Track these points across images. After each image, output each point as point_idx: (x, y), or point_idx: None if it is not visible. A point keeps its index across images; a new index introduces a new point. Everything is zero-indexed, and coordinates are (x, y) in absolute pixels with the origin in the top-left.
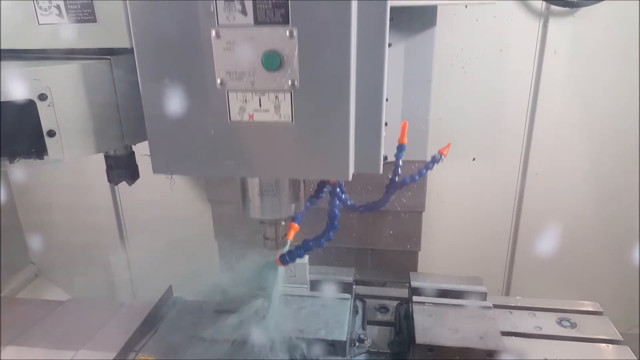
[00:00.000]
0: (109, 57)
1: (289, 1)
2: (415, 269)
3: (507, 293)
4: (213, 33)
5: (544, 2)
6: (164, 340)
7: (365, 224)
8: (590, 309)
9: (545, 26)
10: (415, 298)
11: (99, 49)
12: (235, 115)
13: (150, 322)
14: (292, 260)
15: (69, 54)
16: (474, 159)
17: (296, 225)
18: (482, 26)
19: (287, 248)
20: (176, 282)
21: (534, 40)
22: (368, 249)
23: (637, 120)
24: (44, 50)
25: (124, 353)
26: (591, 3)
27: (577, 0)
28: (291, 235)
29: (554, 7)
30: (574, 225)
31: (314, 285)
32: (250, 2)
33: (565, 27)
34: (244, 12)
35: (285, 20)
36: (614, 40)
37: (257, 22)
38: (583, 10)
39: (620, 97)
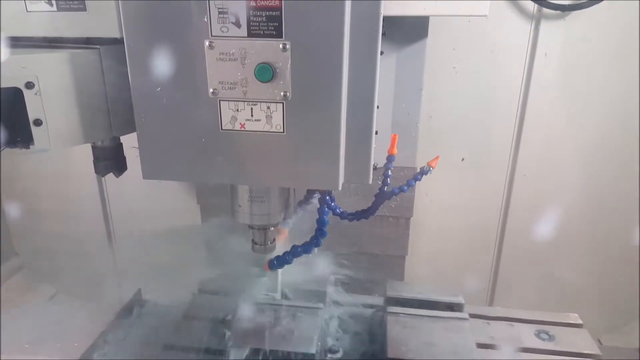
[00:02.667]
0: (98, 46)
1: (283, 15)
2: (402, 273)
3: (492, 295)
4: (206, 43)
5: (535, 5)
6: (129, 345)
7: (352, 228)
8: (570, 321)
9: (536, 29)
10: (389, 308)
11: (88, 38)
12: (226, 124)
13: (117, 326)
14: (281, 266)
15: (57, 43)
16: (463, 159)
17: (285, 230)
18: (474, 27)
19: (275, 253)
20: (159, 276)
21: (525, 43)
22: (355, 252)
23: (626, 124)
24: (32, 38)
25: (86, 357)
26: (583, 7)
27: (568, 3)
28: (280, 241)
29: (545, 10)
30: (561, 227)
31: (286, 292)
32: (244, 14)
33: (557, 30)
34: (237, 24)
35: (278, 34)
36: (605, 44)
37: (251, 34)
38: (575, 14)
39: (609, 100)
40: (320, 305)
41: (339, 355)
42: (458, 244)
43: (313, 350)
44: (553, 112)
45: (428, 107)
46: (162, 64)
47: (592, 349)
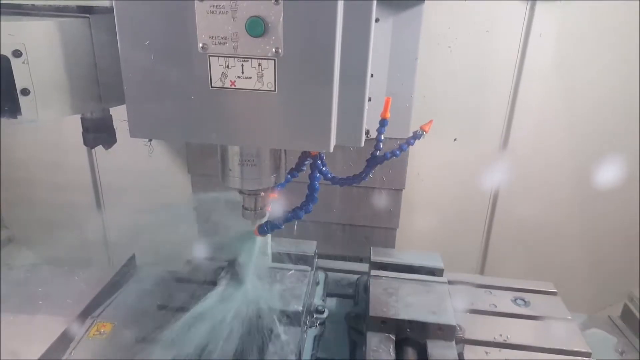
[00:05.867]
0: (88, 15)
1: None
2: (392, 246)
3: (482, 271)
4: None
5: None
6: (124, 308)
7: (345, 200)
8: (545, 288)
9: (532, 9)
10: (373, 272)
11: (77, 6)
12: (216, 81)
13: (111, 289)
14: (270, 230)
15: (46, 11)
16: (455, 140)
17: (275, 195)
18: (470, 5)
19: (265, 219)
20: (150, 250)
21: (520, 23)
22: (347, 224)
23: (618, 107)
24: (21, 5)
25: (81, 319)
26: None
27: None
28: (270, 206)
29: None
30: (549, 208)
31: (276, 257)
32: None
33: (552, 11)
34: None
35: None
36: (599, 27)
37: None
38: None
39: (602, 83)
40: (308, 268)
41: (324, 315)
42: (449, 222)
43: (300, 309)
44: (546, 93)
45: (422, 86)
46: (150, 16)
47: (564, 314)
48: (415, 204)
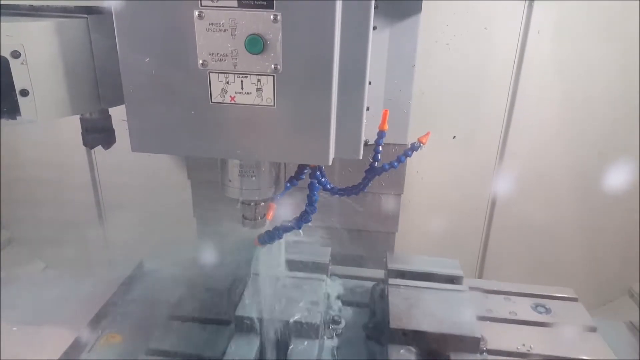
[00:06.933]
0: (86, 16)
1: None
2: (391, 249)
3: (481, 272)
4: (196, 13)
5: None
6: (132, 317)
7: (343, 204)
8: (565, 295)
9: (530, 6)
10: (391, 280)
11: (76, 7)
12: (216, 97)
13: (119, 298)
14: (270, 241)
15: (44, 11)
16: (454, 137)
17: (274, 205)
18: (468, 3)
19: (265, 228)
20: (151, 252)
21: (519, 20)
22: (345, 229)
23: (617, 104)
24: (19, 6)
25: (89, 330)
26: None
27: None
28: (270, 216)
29: None
30: (548, 207)
31: (290, 264)
32: None
33: (550, 8)
34: None
35: (269, 4)
36: (597, 24)
37: (241, 4)
38: None
39: (601, 80)
40: (323, 276)
41: (341, 325)
42: (448, 221)
43: (317, 320)
44: (544, 90)
45: (420, 83)
46: (150, 34)
47: (587, 321)
48: (415, 203)
